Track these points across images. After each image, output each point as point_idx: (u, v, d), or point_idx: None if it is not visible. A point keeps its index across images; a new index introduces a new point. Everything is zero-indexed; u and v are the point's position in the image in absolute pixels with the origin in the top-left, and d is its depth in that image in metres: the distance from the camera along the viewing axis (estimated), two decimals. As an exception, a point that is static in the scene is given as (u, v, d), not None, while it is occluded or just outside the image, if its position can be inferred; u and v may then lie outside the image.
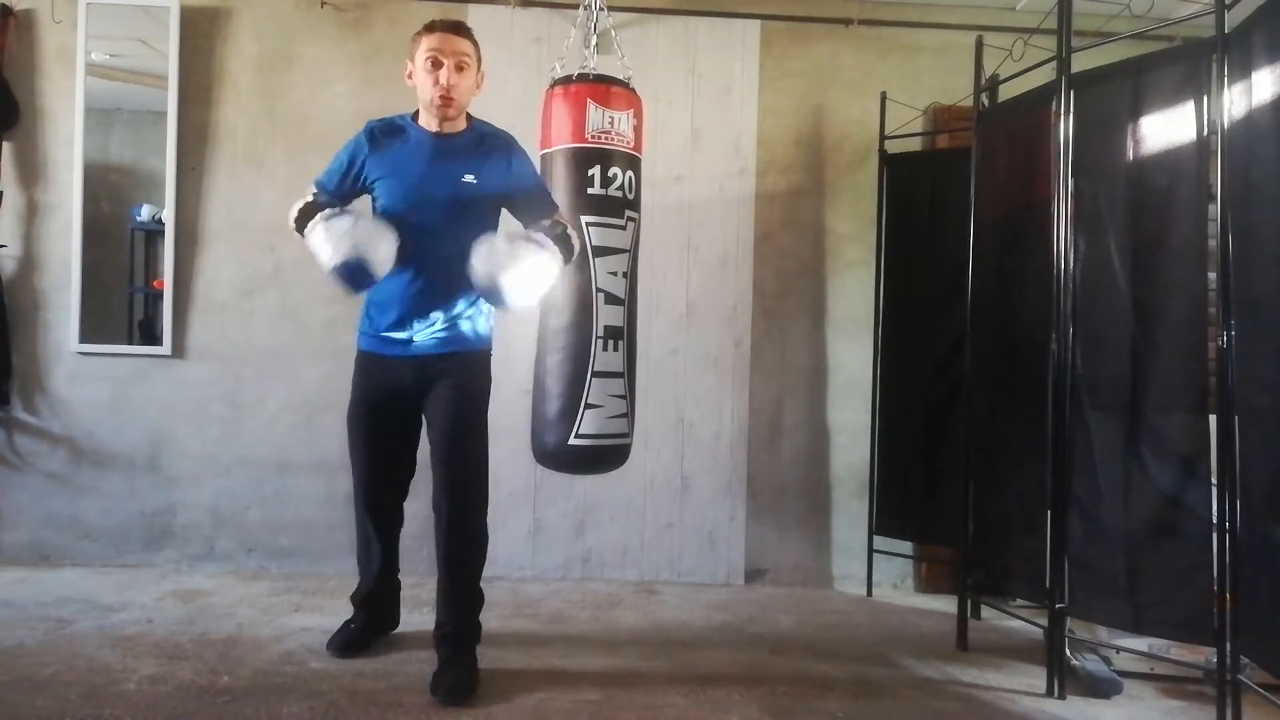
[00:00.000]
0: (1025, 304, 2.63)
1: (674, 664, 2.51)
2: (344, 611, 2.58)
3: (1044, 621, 2.47)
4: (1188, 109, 2.23)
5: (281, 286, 3.36)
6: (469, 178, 2.26)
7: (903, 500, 3.38)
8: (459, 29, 2.28)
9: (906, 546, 3.49)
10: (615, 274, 2.53)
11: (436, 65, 2.22)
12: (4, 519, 3.30)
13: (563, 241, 2.24)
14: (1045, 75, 2.57)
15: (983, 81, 2.92)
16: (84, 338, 3.32)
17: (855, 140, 3.55)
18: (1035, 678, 2.48)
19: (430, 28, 2.26)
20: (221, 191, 3.39)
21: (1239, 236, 2.11)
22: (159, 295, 3.36)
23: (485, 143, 2.32)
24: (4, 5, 3.30)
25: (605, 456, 2.57)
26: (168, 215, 3.35)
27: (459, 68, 2.23)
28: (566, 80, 2.55)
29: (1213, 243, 2.18)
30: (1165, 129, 2.28)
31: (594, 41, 2.71)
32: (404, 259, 2.21)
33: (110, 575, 3.18)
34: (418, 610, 2.74)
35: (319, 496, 3.34)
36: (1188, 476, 2.20)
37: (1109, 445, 2.34)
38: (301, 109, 3.41)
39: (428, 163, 2.26)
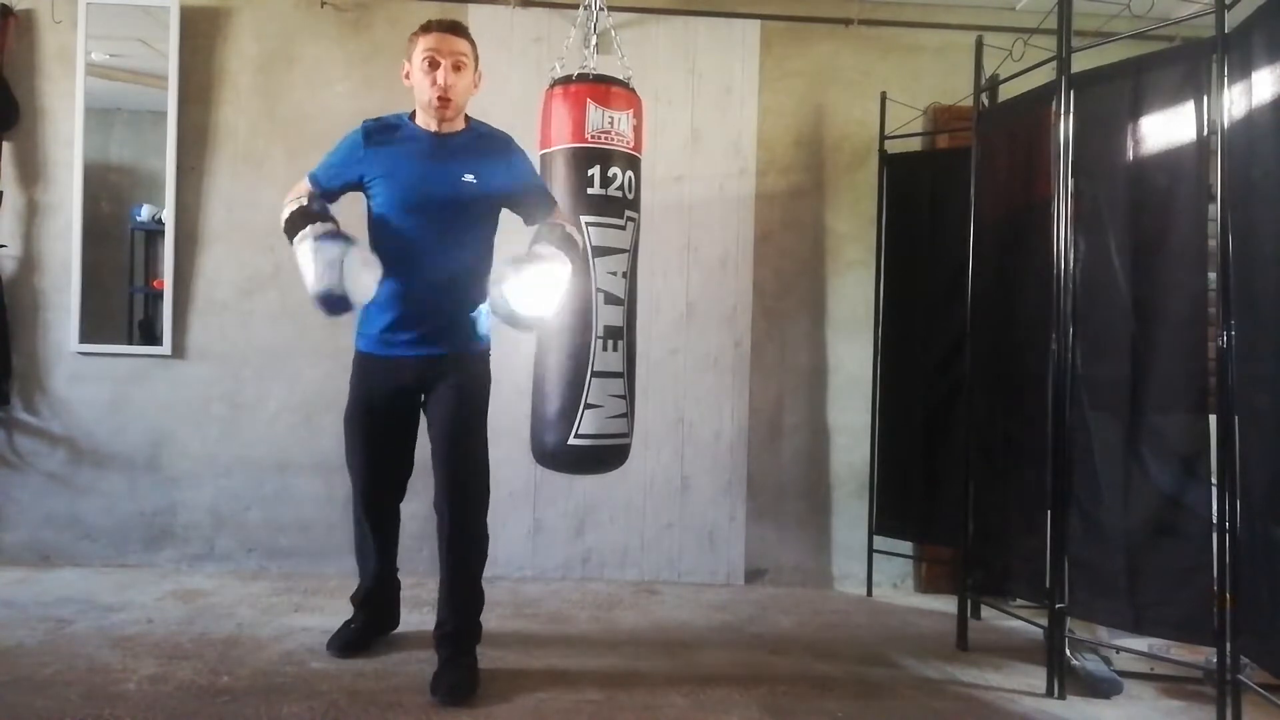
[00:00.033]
0: (1025, 304, 2.63)
1: (674, 664, 2.51)
2: (344, 611, 2.58)
3: (1044, 621, 2.47)
4: (1188, 109, 2.23)
5: (281, 286, 3.36)
6: (469, 177, 2.25)
7: (903, 500, 3.38)
8: (456, 29, 2.27)
9: (906, 546, 3.49)
10: (615, 274, 2.53)
11: (434, 65, 2.21)
12: (4, 519, 3.30)
13: (566, 243, 2.24)
14: (1045, 75, 2.58)
15: (983, 81, 2.92)
16: (84, 338, 3.32)
17: (855, 140, 3.55)
18: (1035, 678, 2.48)
19: (427, 28, 2.26)
20: (221, 191, 3.39)
21: (1239, 236, 2.11)
22: (159, 295, 3.36)
23: (483, 142, 2.31)
24: (4, 5, 3.30)
25: (605, 456, 2.57)
26: (168, 215, 3.35)
27: (456, 68, 2.23)
28: (566, 80, 2.55)
29: (1213, 243, 2.18)
30: (1165, 129, 2.28)
31: (594, 41, 2.71)
32: (403, 259, 2.21)
33: (110, 575, 3.18)
34: (418, 610, 2.74)
35: (319, 496, 3.34)
36: (1188, 476, 2.20)
37: (1109, 445, 2.34)
38: (301, 109, 3.40)
39: (427, 162, 2.25)
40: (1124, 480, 2.31)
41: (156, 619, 2.70)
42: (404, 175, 2.24)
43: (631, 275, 2.59)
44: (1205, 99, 2.19)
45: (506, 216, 2.40)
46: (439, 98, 2.21)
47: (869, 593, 3.41)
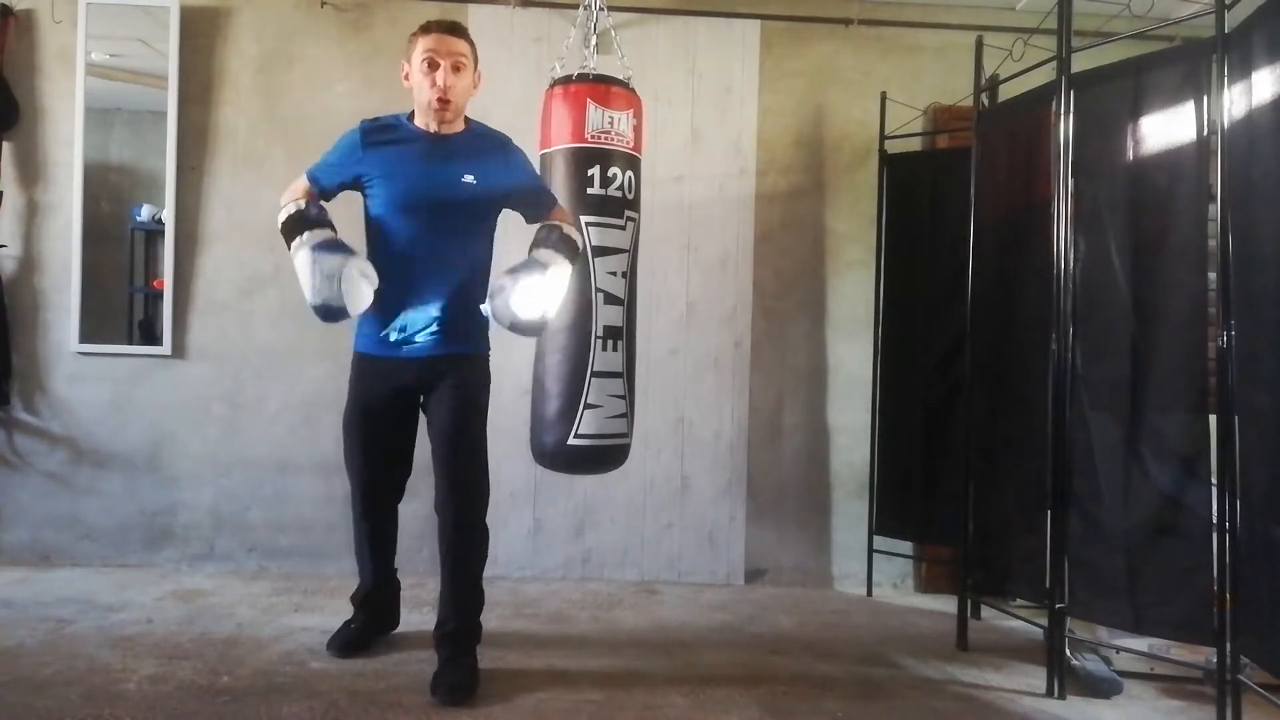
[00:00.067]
0: (1025, 304, 2.63)
1: (674, 664, 2.51)
2: (344, 611, 2.58)
3: (1044, 621, 2.47)
4: (1188, 109, 2.23)
5: (281, 286, 3.36)
6: (469, 178, 2.25)
7: (902, 500, 3.38)
8: (455, 29, 2.27)
9: (906, 546, 3.49)
10: (615, 274, 2.54)
11: (433, 66, 2.21)
12: (4, 519, 3.30)
13: (565, 244, 2.25)
14: (1045, 75, 2.57)
15: (983, 81, 2.92)
16: (84, 338, 3.32)
17: (855, 140, 3.55)
18: (1035, 678, 2.48)
19: (426, 29, 2.25)
20: (221, 191, 3.39)
21: (1239, 236, 2.11)
22: (159, 295, 3.36)
23: (482, 143, 2.31)
24: (4, 5, 3.30)
25: (605, 456, 2.58)
26: (168, 215, 3.35)
27: (455, 68, 2.22)
28: (566, 80, 2.55)
29: (1213, 243, 2.18)
30: (1165, 129, 2.28)
31: (594, 41, 2.71)
32: (402, 260, 2.21)
33: (110, 575, 3.18)
34: (418, 610, 2.75)
35: (319, 496, 3.34)
36: (1188, 476, 2.20)
37: (1109, 445, 2.34)
38: (302, 109, 3.40)
39: (427, 163, 2.24)
40: (1124, 480, 2.31)
41: (156, 619, 2.70)
42: (402, 176, 2.24)
43: (631, 275, 2.59)
44: (1205, 99, 2.19)
45: (506, 217, 2.40)
46: (439, 99, 2.21)
47: (869, 593, 3.41)
